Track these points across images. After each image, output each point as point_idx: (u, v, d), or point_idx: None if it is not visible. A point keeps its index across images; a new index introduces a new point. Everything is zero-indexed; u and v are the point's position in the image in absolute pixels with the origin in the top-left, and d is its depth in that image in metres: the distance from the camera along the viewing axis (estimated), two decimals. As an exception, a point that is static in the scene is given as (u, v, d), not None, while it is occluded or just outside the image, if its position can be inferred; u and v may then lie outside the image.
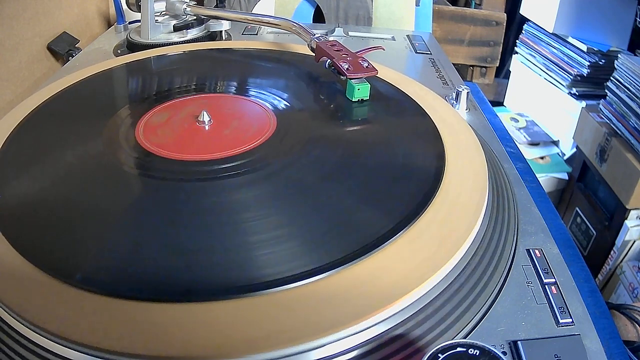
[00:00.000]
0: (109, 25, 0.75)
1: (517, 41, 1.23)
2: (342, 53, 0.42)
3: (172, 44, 0.55)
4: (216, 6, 0.65)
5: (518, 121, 1.17)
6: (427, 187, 0.30)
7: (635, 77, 0.78)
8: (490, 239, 0.28)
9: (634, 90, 0.78)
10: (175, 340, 0.20)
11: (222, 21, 0.59)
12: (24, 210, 0.28)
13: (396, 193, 0.30)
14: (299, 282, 0.23)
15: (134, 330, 0.21)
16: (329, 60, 0.42)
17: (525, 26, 1.20)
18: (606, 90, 0.86)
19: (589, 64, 0.98)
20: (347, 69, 0.40)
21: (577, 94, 1.02)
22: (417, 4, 0.75)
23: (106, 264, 0.24)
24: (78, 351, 0.21)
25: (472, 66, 1.02)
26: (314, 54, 0.45)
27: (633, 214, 0.79)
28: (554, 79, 1.08)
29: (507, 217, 0.31)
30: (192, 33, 0.58)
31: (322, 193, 0.30)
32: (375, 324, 0.22)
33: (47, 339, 0.21)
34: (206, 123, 0.36)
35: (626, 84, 0.80)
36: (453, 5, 1.03)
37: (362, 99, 0.40)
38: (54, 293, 0.23)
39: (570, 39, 1.05)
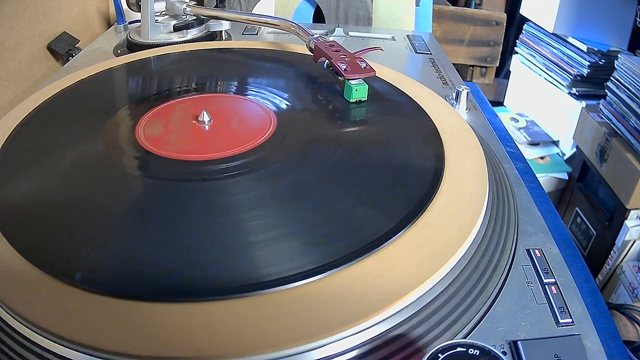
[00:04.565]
0: (109, 25, 0.75)
1: (517, 41, 1.23)
2: (340, 54, 0.42)
3: (172, 44, 0.55)
4: (216, 6, 0.65)
5: (518, 121, 1.17)
6: (427, 187, 0.30)
7: (635, 77, 0.78)
8: (490, 239, 0.28)
9: (634, 90, 0.78)
10: (175, 341, 0.20)
11: (222, 21, 0.59)
12: (24, 210, 0.28)
13: (396, 193, 0.30)
14: (299, 282, 0.23)
15: (134, 330, 0.21)
16: (327, 60, 0.42)
17: (525, 26, 1.20)
18: (606, 90, 0.86)
19: (589, 64, 0.98)
20: (345, 69, 0.40)
21: (577, 94, 1.02)
22: (417, 4, 0.75)
23: (106, 264, 0.24)
24: (78, 351, 0.21)
25: (472, 66, 1.02)
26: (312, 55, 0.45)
27: (633, 214, 0.79)
28: (554, 79, 1.08)
29: (507, 217, 0.31)
30: (192, 33, 0.58)
31: (322, 193, 0.30)
32: (375, 324, 0.22)
33: (47, 339, 0.21)
34: (206, 123, 0.36)
35: (626, 84, 0.80)
36: (453, 5, 1.03)
37: (360, 100, 0.40)
38: (54, 293, 0.23)
39: (570, 39, 1.05)
